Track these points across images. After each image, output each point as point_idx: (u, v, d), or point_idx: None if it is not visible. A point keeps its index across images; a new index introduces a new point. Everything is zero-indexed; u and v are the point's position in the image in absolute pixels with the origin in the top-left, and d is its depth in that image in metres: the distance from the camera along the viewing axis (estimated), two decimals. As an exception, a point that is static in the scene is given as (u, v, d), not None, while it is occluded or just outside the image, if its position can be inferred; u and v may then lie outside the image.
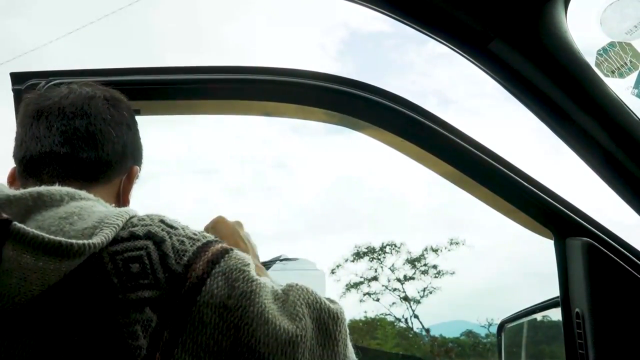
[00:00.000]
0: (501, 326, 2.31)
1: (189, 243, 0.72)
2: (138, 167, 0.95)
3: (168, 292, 0.67)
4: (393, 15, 1.18)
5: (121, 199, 0.91)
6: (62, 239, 0.65)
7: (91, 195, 0.78)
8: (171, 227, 0.73)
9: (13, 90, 1.24)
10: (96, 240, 0.67)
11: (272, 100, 1.37)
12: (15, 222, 0.63)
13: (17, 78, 1.25)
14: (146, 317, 0.66)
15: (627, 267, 1.23)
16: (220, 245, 0.74)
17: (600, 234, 1.28)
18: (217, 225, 0.96)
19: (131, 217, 0.74)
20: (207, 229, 0.95)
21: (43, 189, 0.74)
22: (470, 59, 1.22)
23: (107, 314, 0.65)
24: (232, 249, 0.75)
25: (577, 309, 1.25)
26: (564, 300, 1.30)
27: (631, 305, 1.23)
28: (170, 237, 0.71)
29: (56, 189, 0.74)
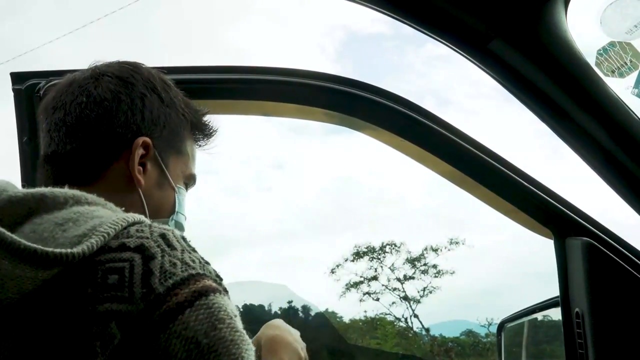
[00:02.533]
0: (501, 326, 2.31)
1: (182, 267, 0.65)
2: (147, 139, 0.85)
3: (140, 311, 0.60)
4: (393, 15, 1.18)
5: (134, 178, 0.84)
6: (39, 247, 0.61)
7: (99, 199, 0.74)
8: (170, 245, 0.67)
9: (13, 90, 1.24)
10: (77, 249, 0.62)
11: (272, 100, 1.36)
12: None
13: (17, 78, 1.25)
14: (108, 333, 0.59)
15: (627, 266, 1.23)
16: (217, 284, 0.67)
17: (600, 234, 1.28)
18: (275, 338, 0.95)
19: (130, 225, 0.68)
20: (262, 337, 0.95)
21: (47, 190, 0.71)
22: (470, 59, 1.22)
23: (73, 325, 0.60)
24: (226, 290, 0.68)
25: (577, 309, 1.25)
26: (563, 300, 1.30)
27: (631, 305, 1.23)
28: (163, 256, 0.65)
29: (61, 191, 0.71)
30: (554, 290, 1.37)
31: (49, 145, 0.84)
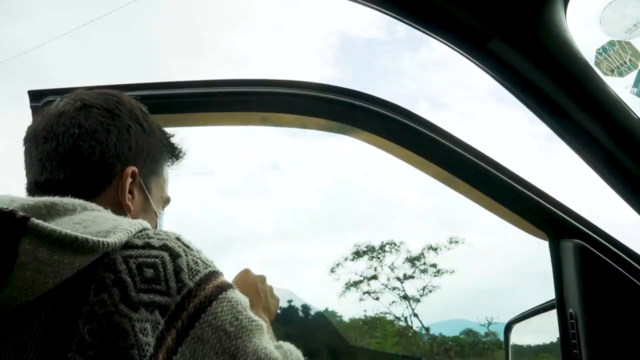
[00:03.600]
0: (508, 326, 2.31)
1: (202, 265, 0.75)
2: (135, 168, 0.91)
3: (177, 303, 0.70)
4: (393, 15, 1.18)
5: (124, 205, 0.90)
6: (79, 234, 0.66)
7: (102, 208, 0.80)
8: (187, 247, 0.76)
9: (31, 107, 1.28)
10: (111, 239, 0.68)
11: (269, 111, 1.40)
12: (33, 219, 0.65)
13: (35, 96, 1.30)
14: (155, 319, 0.68)
15: (619, 268, 1.24)
16: (226, 280, 0.77)
17: (594, 236, 1.28)
18: (241, 278, 1.04)
19: (145, 229, 0.76)
20: (234, 280, 1.03)
21: (57, 198, 0.76)
22: (470, 58, 1.22)
23: (119, 309, 0.67)
24: (234, 287, 0.78)
25: (570, 310, 1.26)
26: (559, 302, 1.30)
27: (623, 306, 1.23)
28: (187, 255, 0.74)
29: (69, 199, 0.76)
30: (553, 291, 1.37)
31: (40, 174, 0.88)
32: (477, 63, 1.22)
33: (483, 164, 1.32)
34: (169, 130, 1.04)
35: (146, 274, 0.70)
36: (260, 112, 1.40)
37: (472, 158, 1.33)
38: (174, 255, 0.73)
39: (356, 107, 1.35)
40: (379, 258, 18.28)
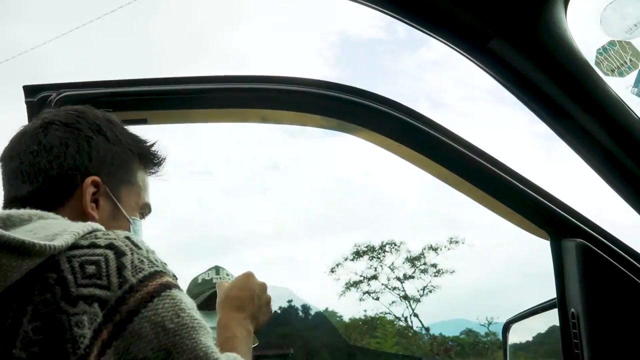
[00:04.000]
0: (506, 326, 2.31)
1: (148, 264, 0.76)
2: (96, 178, 0.94)
3: (118, 297, 0.72)
4: (393, 14, 1.18)
5: (87, 214, 0.92)
6: (26, 239, 0.70)
7: (52, 214, 0.84)
8: (136, 245, 0.77)
9: (26, 102, 1.28)
10: (57, 242, 0.72)
11: (270, 108, 1.40)
12: None
13: (30, 91, 1.29)
14: (93, 311, 0.70)
15: (620, 267, 1.24)
16: (174, 278, 0.79)
17: (596, 235, 1.28)
18: (241, 279, 1.08)
19: (95, 230, 0.79)
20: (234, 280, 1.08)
21: (13, 211, 0.81)
22: (470, 58, 1.22)
23: (60, 306, 0.70)
24: (182, 289, 0.79)
25: (572, 309, 1.26)
26: (560, 301, 1.30)
27: (625, 305, 1.23)
28: (132, 254, 0.76)
29: (25, 210, 0.81)
30: (554, 291, 1.37)
31: (9, 192, 0.93)
32: (477, 63, 1.22)
33: (485, 163, 1.32)
34: (146, 136, 1.06)
35: (88, 270, 0.72)
36: (260, 109, 1.40)
37: (473, 156, 1.32)
38: (119, 254, 0.75)
39: (357, 105, 1.35)
40: (379, 258, 18.29)
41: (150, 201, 1.05)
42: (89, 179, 0.93)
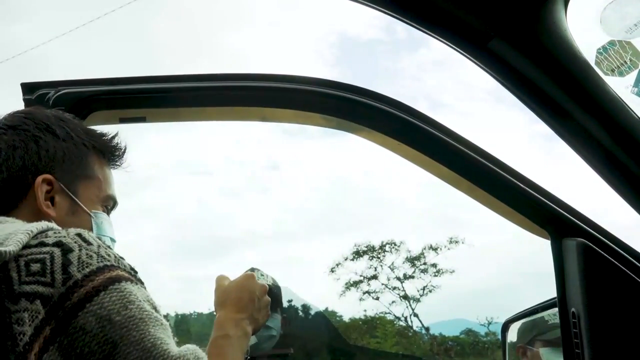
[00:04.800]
0: (505, 325, 2.31)
1: (97, 259, 0.76)
2: (47, 176, 0.94)
3: (61, 294, 0.72)
4: (393, 14, 1.18)
5: (43, 213, 0.92)
6: None
7: (10, 218, 0.85)
8: (86, 241, 0.78)
9: (24, 100, 1.28)
10: (10, 247, 0.73)
11: (270, 106, 1.39)
12: None
13: (28, 88, 1.29)
14: (35, 309, 0.71)
15: (621, 267, 1.23)
16: (129, 274, 0.78)
17: (597, 234, 1.28)
18: (241, 280, 1.06)
19: (48, 229, 0.80)
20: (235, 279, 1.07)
21: None
22: (470, 58, 1.22)
23: (2, 303, 0.71)
24: (140, 282, 0.80)
25: (573, 309, 1.25)
26: (561, 300, 1.30)
27: (626, 305, 1.23)
28: (80, 250, 0.76)
29: None
30: (553, 290, 1.37)
31: None
32: (477, 63, 1.22)
33: (485, 162, 1.32)
34: (103, 129, 1.06)
35: (32, 268, 0.73)
36: (260, 108, 1.39)
37: (474, 155, 1.32)
38: (66, 250, 0.75)
39: (358, 103, 1.34)
40: (379, 258, 18.28)
41: (114, 193, 1.05)
42: (40, 178, 0.93)
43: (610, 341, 1.21)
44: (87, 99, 1.30)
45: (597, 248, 1.25)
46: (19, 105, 1.28)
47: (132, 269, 0.81)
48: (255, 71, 1.36)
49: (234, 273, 1.11)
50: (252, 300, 1.05)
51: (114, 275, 0.75)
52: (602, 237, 1.27)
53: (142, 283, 0.81)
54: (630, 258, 1.25)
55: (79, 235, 0.79)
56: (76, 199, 0.96)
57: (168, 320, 0.78)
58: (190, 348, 0.80)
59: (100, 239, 0.81)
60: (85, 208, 0.97)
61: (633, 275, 1.23)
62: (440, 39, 1.20)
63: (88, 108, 1.31)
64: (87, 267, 0.74)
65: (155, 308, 0.79)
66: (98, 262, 0.76)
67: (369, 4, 1.17)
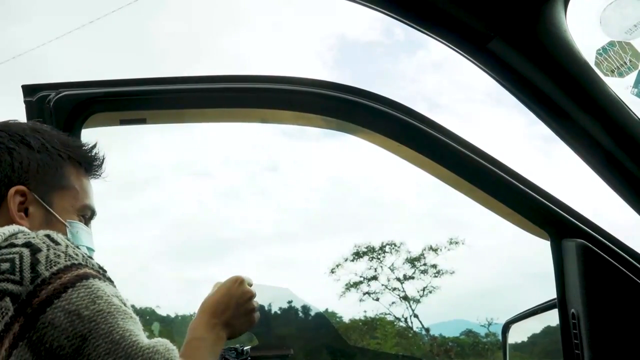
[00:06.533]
0: (506, 326, 2.31)
1: (65, 258, 0.78)
2: (21, 187, 0.95)
3: (29, 292, 0.74)
4: (393, 15, 1.18)
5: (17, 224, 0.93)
6: None
7: None
8: (54, 242, 0.80)
9: (25, 102, 1.28)
10: None
11: (270, 108, 1.39)
12: None
13: (28, 90, 1.29)
14: (5, 306, 0.73)
15: (621, 268, 1.23)
16: (97, 272, 0.80)
17: (596, 235, 1.28)
18: (226, 283, 1.05)
19: (19, 232, 0.82)
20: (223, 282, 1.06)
21: None
22: (470, 58, 1.22)
23: None
24: (110, 280, 0.81)
25: (572, 310, 1.25)
26: (560, 301, 1.30)
27: (625, 306, 1.23)
28: (48, 249, 0.78)
29: None
30: (553, 291, 1.37)
31: None
32: (477, 63, 1.22)
33: (485, 163, 1.32)
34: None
35: (2, 267, 0.75)
36: (259, 109, 1.40)
37: (473, 157, 1.32)
38: (34, 250, 0.77)
39: (357, 105, 1.34)
40: (379, 259, 18.26)
41: (92, 202, 1.05)
42: (13, 189, 0.94)
43: (610, 342, 1.21)
44: (87, 100, 1.30)
45: (596, 249, 1.25)
46: (19, 106, 1.29)
47: (101, 268, 0.83)
48: (255, 73, 1.36)
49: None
50: (229, 306, 1.03)
51: (82, 272, 0.77)
52: (601, 238, 1.28)
53: (111, 281, 0.82)
54: (629, 259, 1.25)
55: (48, 236, 0.81)
56: (50, 209, 0.97)
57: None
58: (160, 340, 0.80)
59: (69, 240, 0.83)
60: (59, 218, 0.98)
61: (632, 276, 1.23)
62: (440, 39, 1.20)
63: (89, 110, 1.31)
64: (54, 265, 0.76)
65: (124, 303, 0.80)
66: (66, 261, 0.77)
67: (369, 4, 1.17)
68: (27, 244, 0.78)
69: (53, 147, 1.00)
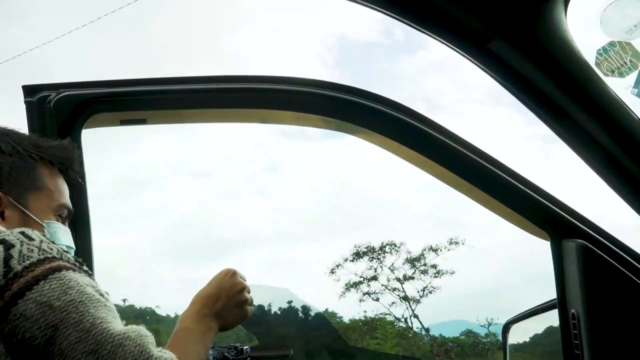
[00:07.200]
0: (506, 326, 2.31)
1: (38, 252, 0.79)
2: None
3: (1, 285, 0.75)
4: (393, 15, 1.18)
5: None
6: None
7: None
8: (28, 237, 0.81)
9: (25, 102, 1.28)
10: None
11: (269, 108, 1.40)
12: None
13: (29, 91, 1.30)
14: None
15: (621, 268, 1.23)
16: (72, 264, 0.81)
17: (596, 236, 1.28)
18: (219, 275, 1.06)
19: None
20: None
21: None
22: (470, 58, 1.22)
23: None
24: (87, 272, 0.82)
25: (572, 310, 1.25)
26: (560, 302, 1.30)
27: (625, 306, 1.23)
28: (21, 245, 0.79)
29: None
30: (554, 292, 1.37)
31: None
32: (477, 63, 1.22)
33: (485, 163, 1.32)
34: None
35: None
36: (259, 110, 1.40)
37: (473, 157, 1.32)
38: (8, 246, 0.78)
39: (357, 105, 1.35)
40: (379, 259, 18.25)
41: (67, 201, 1.05)
42: None
43: (610, 342, 1.21)
44: (88, 101, 1.30)
45: (596, 249, 1.25)
46: (20, 106, 1.29)
47: (78, 260, 0.83)
48: (255, 73, 1.36)
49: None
50: (219, 297, 1.04)
51: (55, 265, 0.78)
52: (601, 239, 1.28)
53: (89, 274, 0.82)
54: (629, 259, 1.25)
55: (22, 233, 0.82)
56: (26, 211, 0.98)
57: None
58: (133, 327, 0.80)
59: (44, 236, 0.83)
60: (36, 219, 0.98)
61: (632, 277, 1.23)
62: (441, 39, 1.20)
63: (89, 110, 1.31)
64: (27, 259, 0.77)
65: (101, 294, 0.80)
66: (39, 255, 0.78)
67: (369, 4, 1.17)
68: (1, 241, 0.79)
69: (24, 149, 1.01)
